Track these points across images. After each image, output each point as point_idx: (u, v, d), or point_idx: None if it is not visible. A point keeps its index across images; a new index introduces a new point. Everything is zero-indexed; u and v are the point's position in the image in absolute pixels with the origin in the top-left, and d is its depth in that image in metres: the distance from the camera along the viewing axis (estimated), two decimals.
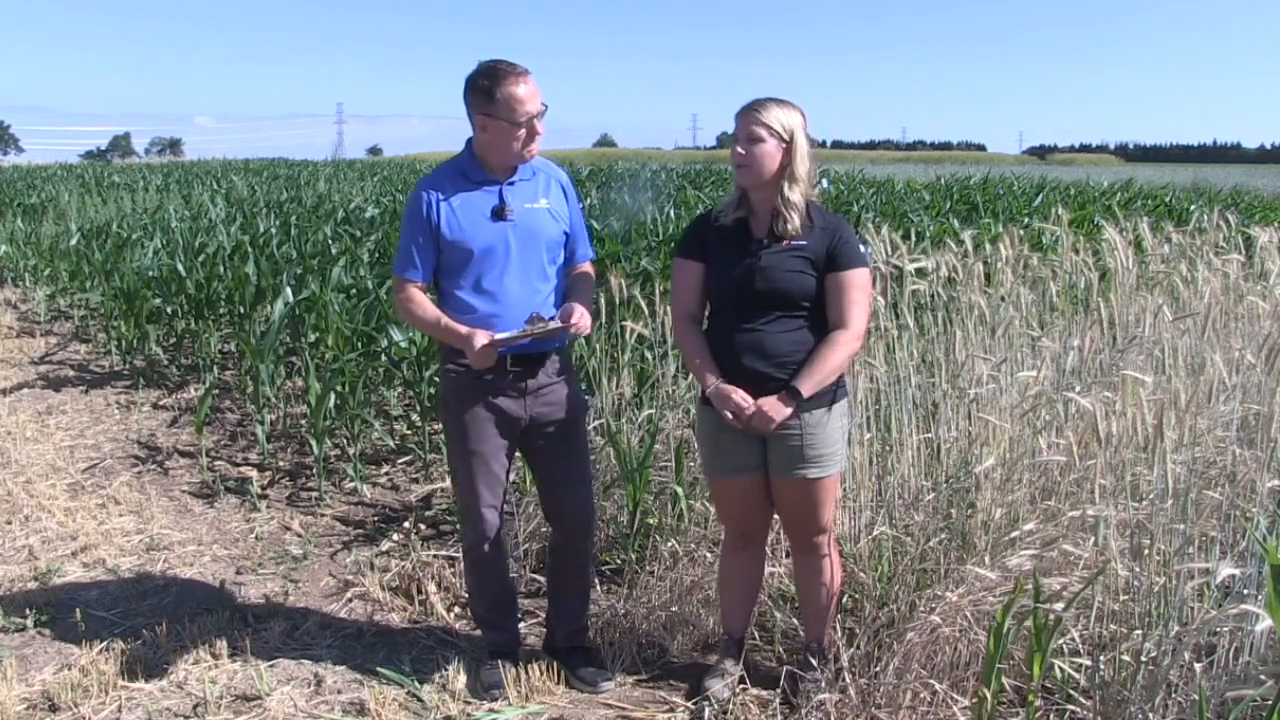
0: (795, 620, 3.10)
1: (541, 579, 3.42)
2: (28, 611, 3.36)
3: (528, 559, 3.65)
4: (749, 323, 2.56)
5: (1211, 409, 3.09)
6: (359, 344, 5.31)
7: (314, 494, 4.59)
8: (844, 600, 2.98)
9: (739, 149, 2.55)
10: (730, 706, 2.74)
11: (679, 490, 3.44)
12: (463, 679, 2.90)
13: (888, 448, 3.30)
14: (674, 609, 3.16)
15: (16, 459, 5.00)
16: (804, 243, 2.55)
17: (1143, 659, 2.38)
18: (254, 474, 4.83)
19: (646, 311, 4.04)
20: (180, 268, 7.18)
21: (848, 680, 2.64)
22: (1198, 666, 2.32)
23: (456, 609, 3.39)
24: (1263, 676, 2.25)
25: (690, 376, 3.99)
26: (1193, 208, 10.66)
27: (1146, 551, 2.49)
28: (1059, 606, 2.34)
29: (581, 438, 2.92)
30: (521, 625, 3.20)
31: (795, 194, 2.54)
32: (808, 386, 2.50)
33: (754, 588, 2.93)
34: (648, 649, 3.08)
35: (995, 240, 4.29)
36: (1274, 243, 4.85)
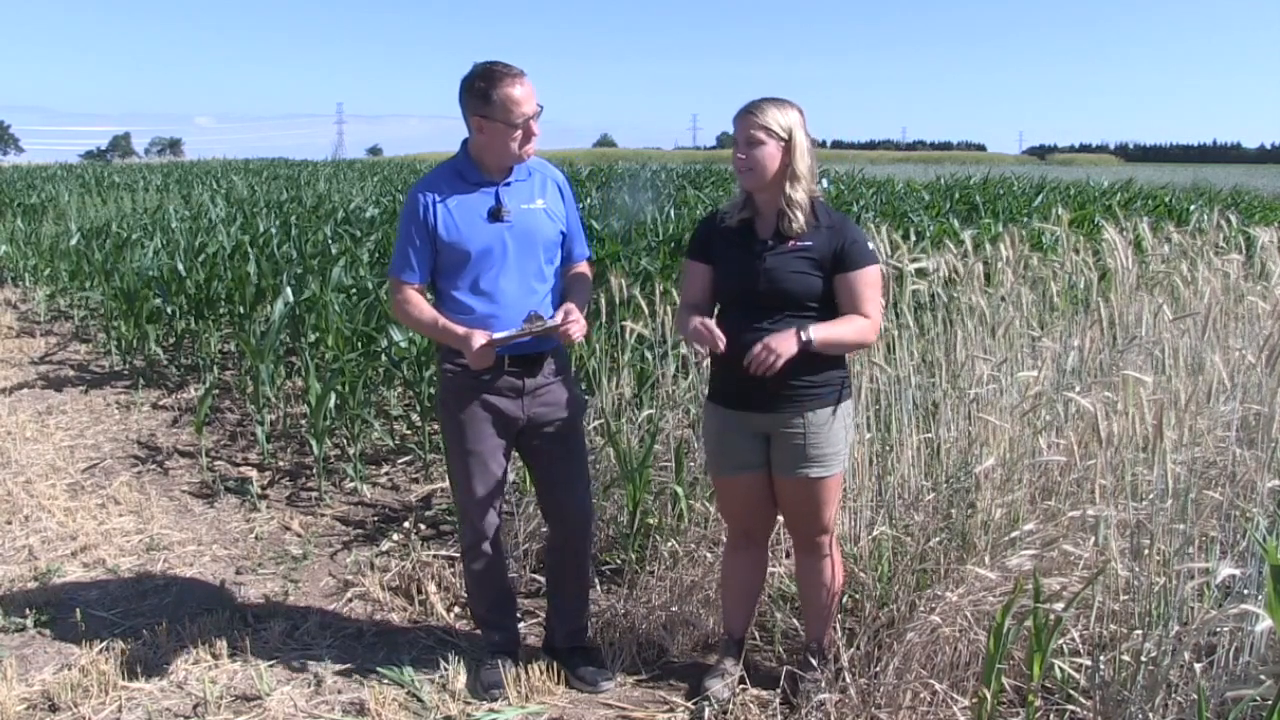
0: (795, 620, 3.10)
1: (541, 579, 3.42)
2: (28, 611, 3.36)
3: (527, 559, 3.66)
4: (756, 323, 2.56)
5: (1211, 409, 3.09)
6: (359, 344, 5.31)
7: (314, 494, 4.59)
8: (844, 600, 2.98)
9: (739, 154, 2.56)
10: (730, 706, 2.74)
11: (679, 490, 3.44)
12: (463, 679, 2.90)
13: (888, 448, 3.30)
14: (674, 609, 3.16)
15: (16, 459, 5.00)
16: (809, 243, 2.55)
17: (1143, 659, 2.38)
18: (254, 474, 4.83)
19: (646, 311, 4.04)
20: (180, 268, 7.18)
21: (848, 680, 2.64)
22: (1198, 666, 2.32)
23: (456, 609, 3.39)
24: (1263, 676, 2.25)
25: (690, 377, 4.00)
26: (1193, 208, 10.66)
27: (1146, 551, 2.49)
28: (1059, 606, 2.34)
29: (579, 438, 2.92)
30: (521, 625, 3.20)
31: (799, 192, 2.54)
32: (818, 334, 2.48)
33: (756, 588, 2.93)
34: (648, 649, 3.08)
35: (995, 240, 4.29)
36: (1274, 243, 4.85)
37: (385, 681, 2.93)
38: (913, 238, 5.23)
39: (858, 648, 2.76)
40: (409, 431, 5.32)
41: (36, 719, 2.80)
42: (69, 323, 8.84)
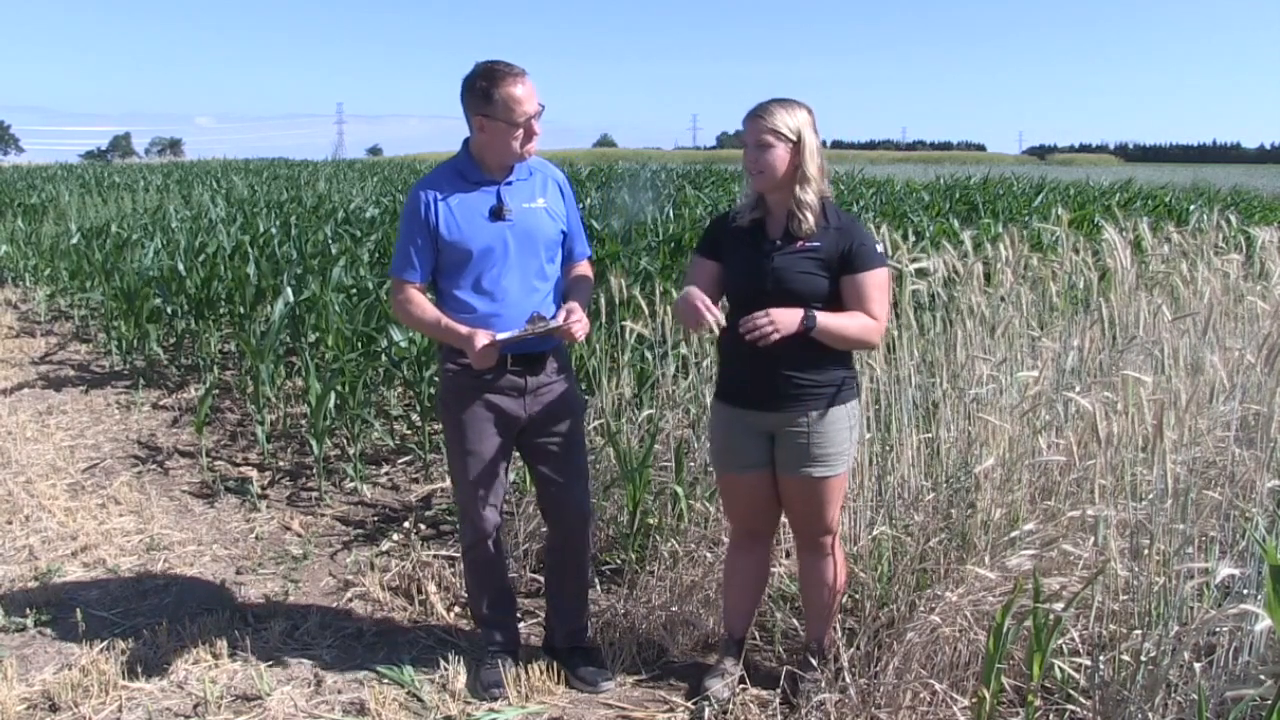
0: (795, 620, 3.10)
1: (541, 579, 3.42)
2: (28, 611, 3.36)
3: (527, 559, 3.66)
4: None
5: (1211, 409, 3.09)
6: (359, 344, 5.31)
7: (314, 494, 4.59)
8: (844, 600, 2.98)
9: (749, 157, 2.57)
10: (730, 706, 2.74)
11: (679, 490, 3.44)
12: (463, 679, 2.90)
13: (888, 448, 3.30)
14: (674, 609, 3.16)
15: (16, 459, 5.00)
16: (818, 244, 2.55)
17: (1142, 659, 2.38)
18: (254, 474, 4.83)
19: (646, 311, 4.04)
20: (180, 268, 7.18)
21: (848, 680, 2.64)
22: (1197, 666, 2.32)
23: (456, 609, 3.40)
24: (1262, 676, 2.25)
25: (690, 377, 4.00)
26: (1192, 208, 10.66)
27: (1146, 551, 2.50)
28: (1059, 606, 2.34)
29: (580, 437, 2.92)
30: (521, 625, 3.20)
31: (809, 194, 2.55)
32: (822, 320, 2.48)
33: (758, 589, 2.93)
34: (648, 649, 3.08)
35: (995, 240, 4.29)
36: (1274, 243, 4.85)
37: (385, 681, 2.93)
38: (912, 238, 5.23)
39: (858, 648, 2.76)
40: (409, 431, 5.32)
41: (37, 719, 2.81)
42: (69, 323, 8.84)
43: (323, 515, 4.35)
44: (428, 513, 4.29)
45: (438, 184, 2.72)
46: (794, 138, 2.52)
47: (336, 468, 4.86)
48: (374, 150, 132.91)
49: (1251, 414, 3.02)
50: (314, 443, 4.59)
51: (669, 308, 3.94)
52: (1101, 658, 2.50)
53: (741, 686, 2.81)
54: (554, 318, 2.68)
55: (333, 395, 4.71)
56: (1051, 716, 2.56)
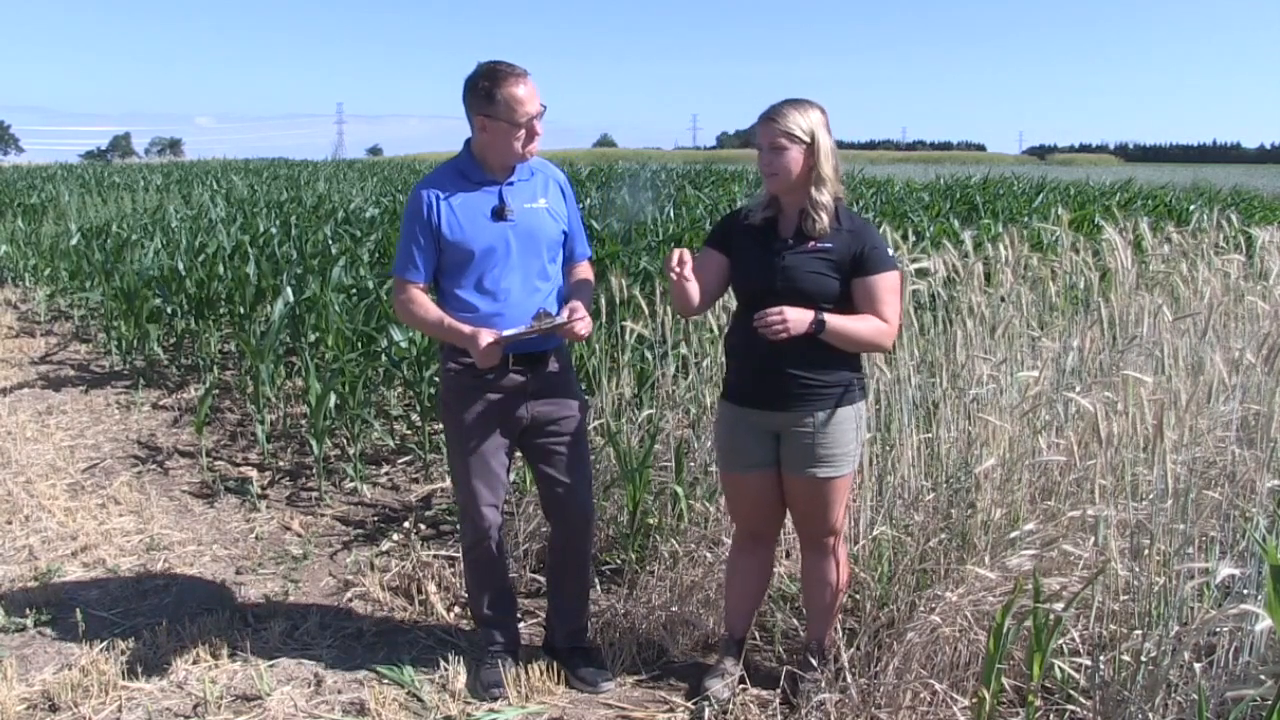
0: (795, 620, 3.10)
1: (541, 579, 3.43)
2: (28, 611, 3.36)
3: (527, 559, 3.66)
4: None
5: (1211, 409, 3.09)
6: (359, 344, 5.32)
7: (314, 494, 4.59)
8: (844, 600, 2.98)
9: (763, 159, 2.57)
10: (730, 706, 2.74)
11: (679, 490, 3.44)
12: (463, 679, 2.90)
13: (888, 448, 3.30)
14: (674, 609, 3.16)
15: (16, 459, 5.00)
16: (829, 245, 2.55)
17: (1143, 659, 2.38)
18: (254, 474, 4.83)
19: (646, 311, 4.04)
20: (180, 267, 7.18)
21: (848, 680, 2.64)
22: (1198, 666, 2.32)
23: (456, 609, 3.39)
24: (1263, 676, 2.25)
25: (690, 377, 4.00)
26: (1192, 208, 10.66)
27: (1146, 551, 2.50)
28: (1059, 606, 2.34)
29: (581, 437, 2.92)
30: (521, 625, 3.20)
31: (823, 195, 2.55)
32: (832, 321, 2.49)
33: (760, 590, 2.93)
34: (648, 649, 3.08)
35: (995, 240, 4.29)
36: (1274, 242, 4.85)
37: (385, 681, 2.93)
38: (913, 238, 5.23)
39: (858, 648, 2.76)
40: (409, 431, 5.32)
41: (36, 719, 2.81)
42: (69, 323, 8.84)
43: (323, 515, 4.35)
44: (428, 513, 4.29)
45: (440, 184, 2.72)
46: (807, 139, 2.52)
47: (336, 468, 4.86)
48: (374, 150, 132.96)
49: (1251, 414, 3.02)
50: (314, 443, 4.59)
51: (669, 308, 3.94)
52: (1102, 658, 2.50)
53: (741, 686, 2.81)
54: (559, 315, 2.68)
55: (333, 395, 4.72)
56: (1051, 716, 2.56)
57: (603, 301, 4.56)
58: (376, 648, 3.18)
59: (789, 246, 2.58)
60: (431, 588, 3.49)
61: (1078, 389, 3.10)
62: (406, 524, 4.10)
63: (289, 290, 5.79)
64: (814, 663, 2.74)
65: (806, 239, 2.56)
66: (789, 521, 2.86)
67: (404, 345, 4.91)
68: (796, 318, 2.46)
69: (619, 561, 3.54)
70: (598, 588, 3.41)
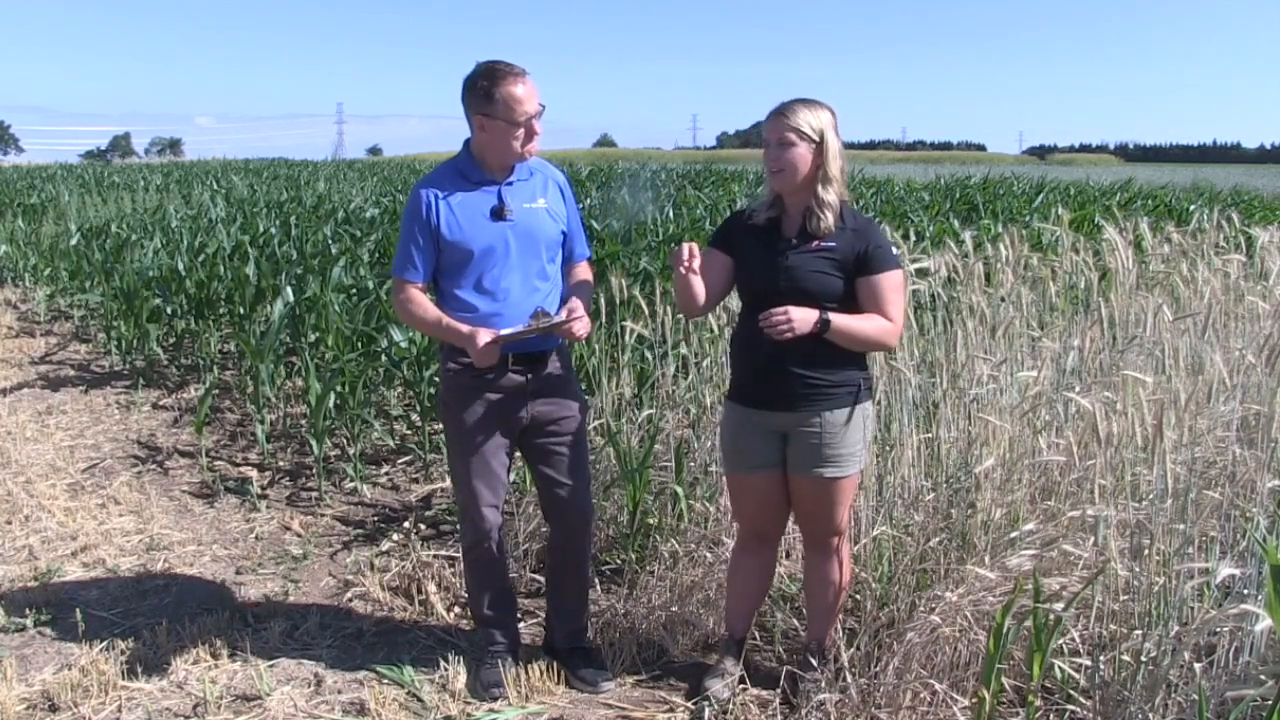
0: (795, 620, 3.11)
1: (541, 579, 3.42)
2: (28, 611, 3.36)
3: (527, 559, 3.66)
4: None
5: (1211, 409, 3.09)
6: (359, 344, 5.31)
7: (314, 494, 4.59)
8: (845, 600, 2.98)
9: (771, 156, 2.56)
10: (730, 706, 2.74)
11: (679, 490, 3.44)
12: (463, 679, 2.90)
13: (888, 448, 3.30)
14: (674, 609, 3.16)
15: (16, 459, 5.00)
16: (833, 244, 2.55)
17: (1143, 659, 2.38)
18: (254, 474, 4.83)
19: (646, 311, 4.04)
20: (180, 267, 7.18)
21: (848, 680, 2.64)
22: (1198, 666, 2.32)
23: (456, 609, 3.39)
24: (1263, 676, 2.25)
25: (690, 377, 4.00)
26: (1192, 208, 10.66)
27: (1146, 551, 2.49)
28: (1059, 606, 2.34)
29: (581, 437, 2.92)
30: (521, 625, 3.20)
31: (830, 194, 2.54)
32: (837, 320, 2.49)
33: (762, 590, 2.93)
34: (648, 649, 3.08)
35: (995, 240, 4.29)
36: (1274, 242, 4.85)
37: (385, 681, 2.93)
38: (913, 238, 5.23)
39: (858, 648, 2.76)
40: (409, 431, 5.32)
41: (36, 719, 2.80)
42: (69, 323, 8.84)
43: (323, 515, 4.35)
44: (428, 513, 4.29)
45: (439, 184, 2.72)
46: (816, 138, 2.52)
47: (336, 468, 4.86)
48: (374, 150, 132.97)
49: (1252, 414, 3.01)
50: (314, 443, 4.59)
51: (669, 308, 3.94)
52: (1101, 658, 2.50)
53: (741, 686, 2.81)
54: (557, 314, 2.68)
55: (333, 395, 4.72)
56: (1051, 716, 2.56)
57: (603, 301, 4.56)
58: (376, 648, 3.18)
59: (793, 246, 2.57)
60: (431, 588, 3.49)
61: (1078, 389, 3.10)
62: (406, 524, 4.10)
63: (289, 290, 5.79)
64: (814, 663, 2.74)
65: (810, 238, 2.56)
66: (790, 522, 2.86)
67: (404, 345, 4.91)
68: (801, 317, 2.46)
69: (619, 561, 3.54)
70: (598, 588, 3.41)
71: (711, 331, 3.99)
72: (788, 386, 2.57)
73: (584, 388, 3.67)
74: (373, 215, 10.99)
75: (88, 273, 8.70)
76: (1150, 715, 2.34)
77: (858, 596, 3.07)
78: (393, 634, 3.27)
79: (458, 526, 3.61)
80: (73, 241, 9.70)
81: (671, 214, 9.56)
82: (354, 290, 6.15)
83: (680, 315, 3.99)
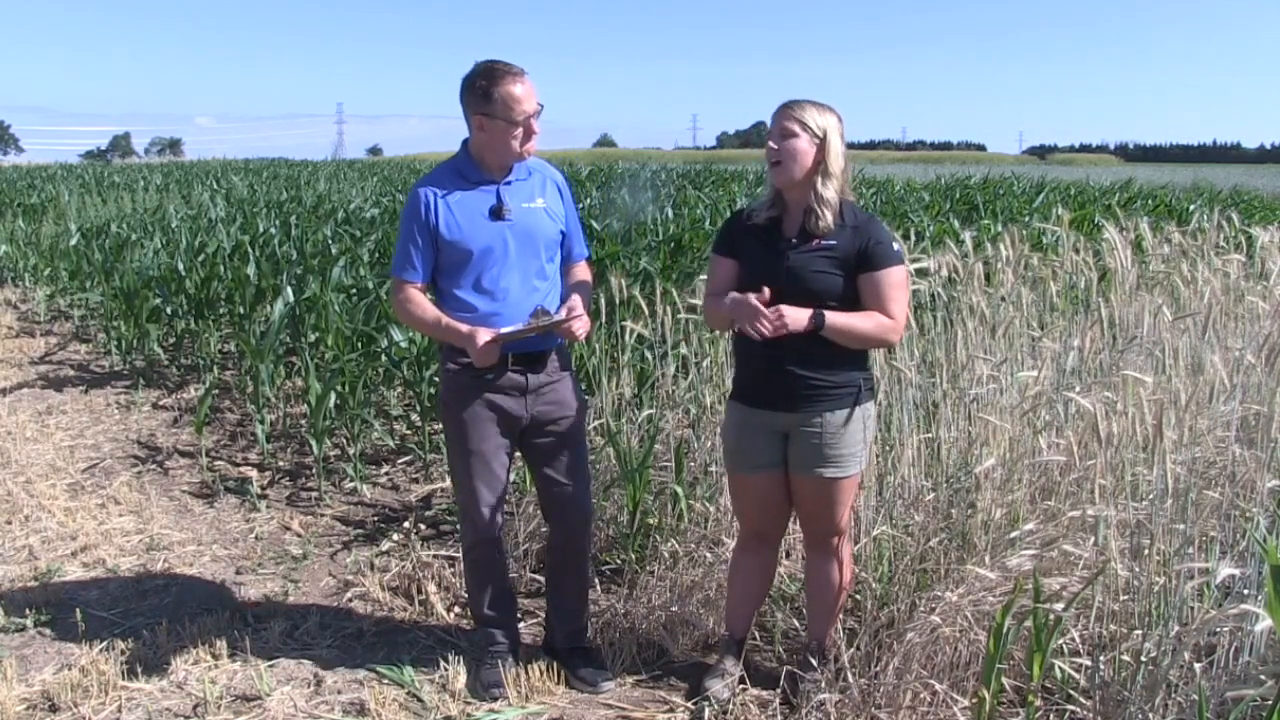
0: (795, 620, 3.11)
1: (541, 579, 3.42)
2: (28, 611, 3.36)
3: (527, 559, 3.65)
4: None
5: (1211, 409, 3.09)
6: (359, 344, 5.31)
7: (314, 494, 4.59)
8: (846, 600, 2.98)
9: (772, 144, 2.55)
10: (730, 706, 2.74)
11: (679, 490, 3.44)
12: (463, 679, 2.90)
13: (888, 448, 3.30)
14: (674, 609, 3.16)
15: (16, 459, 5.00)
16: (833, 242, 2.54)
17: (1143, 659, 2.38)
18: (254, 474, 4.83)
19: (646, 311, 4.04)
20: (180, 267, 7.18)
21: (848, 680, 2.64)
22: (1198, 666, 2.32)
23: (456, 609, 3.39)
24: (1263, 676, 2.25)
25: (690, 377, 4.00)
26: (1192, 207, 10.65)
27: (1146, 551, 2.49)
28: (1059, 606, 2.34)
29: (581, 437, 2.92)
30: (521, 625, 3.20)
31: (829, 191, 2.53)
32: (832, 319, 2.48)
33: (762, 590, 2.93)
34: (648, 649, 3.08)
35: (995, 240, 4.29)
36: (1274, 242, 4.85)
37: (385, 681, 2.93)
38: (913, 238, 5.23)
39: (858, 648, 2.76)
40: (409, 431, 5.32)
41: (36, 719, 2.80)
42: (69, 323, 8.84)
43: (323, 515, 4.35)
44: (428, 513, 4.29)
45: (438, 183, 2.72)
46: (820, 135, 2.52)
47: (336, 468, 4.86)
48: (374, 150, 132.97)
49: (1251, 414, 3.01)
50: (314, 443, 4.59)
51: (669, 308, 3.94)
52: (1101, 658, 2.50)
53: (741, 686, 2.81)
54: (557, 313, 2.68)
55: (333, 395, 4.72)
56: (1051, 717, 2.56)
57: (603, 301, 4.56)
58: (376, 648, 3.18)
59: (793, 246, 2.57)
60: (431, 588, 3.49)
61: (1078, 389, 3.10)
62: (406, 524, 4.10)
63: (289, 290, 5.78)
64: (814, 663, 2.74)
65: (810, 237, 2.55)
66: (791, 522, 2.86)
67: (404, 345, 4.91)
68: (792, 315, 2.46)
69: (619, 561, 3.54)
70: (598, 588, 3.41)
71: (711, 332, 3.99)
72: (789, 387, 2.57)
73: (584, 388, 3.67)
74: (373, 215, 10.99)
75: (88, 273, 8.70)
76: (1150, 715, 2.34)
77: (858, 596, 3.07)
78: (393, 634, 3.27)
79: (458, 526, 3.61)
80: (73, 241, 9.70)
81: (671, 214, 9.56)
82: (354, 290, 6.15)
83: (680, 315, 4.00)
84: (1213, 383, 3.14)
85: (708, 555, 3.28)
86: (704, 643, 3.09)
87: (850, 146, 2.63)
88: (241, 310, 6.71)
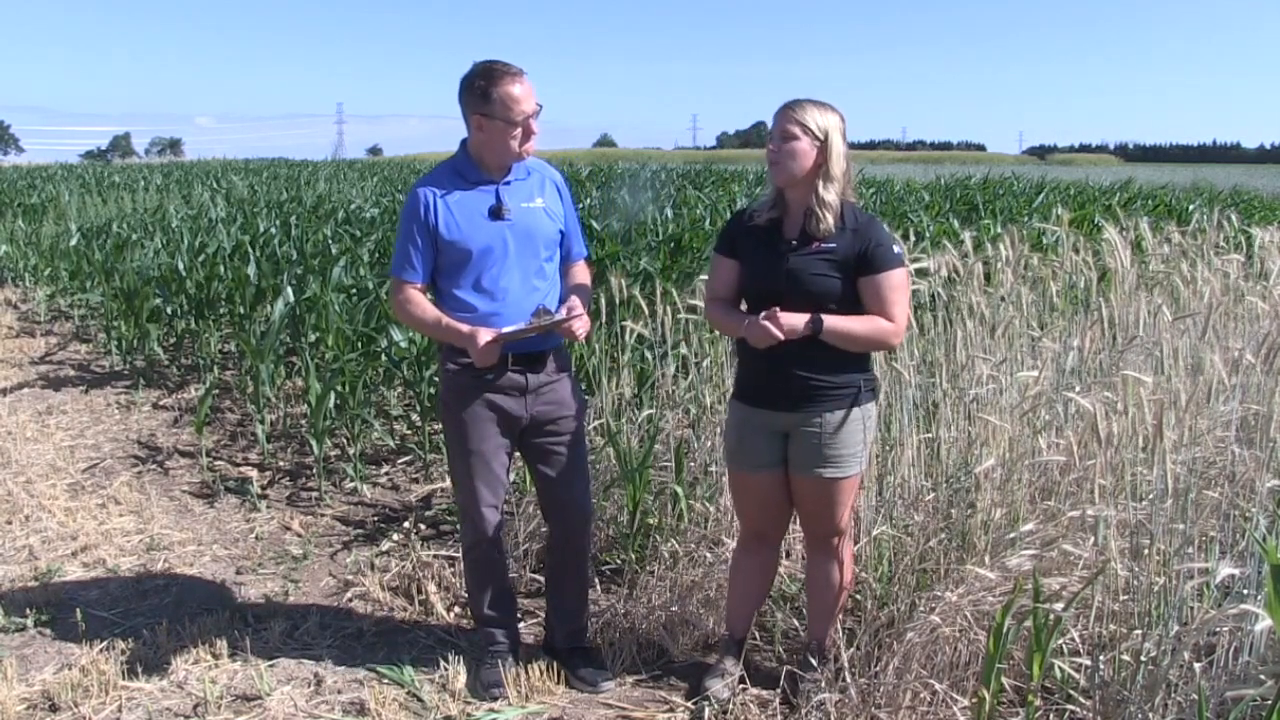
0: (795, 620, 3.11)
1: (541, 579, 3.42)
2: (28, 611, 3.36)
3: (527, 559, 3.66)
4: None
5: (1211, 409, 3.09)
6: (359, 344, 5.31)
7: (314, 494, 4.59)
8: (846, 600, 2.98)
9: (772, 145, 2.55)
10: (730, 706, 2.74)
11: (679, 490, 3.44)
12: (463, 678, 2.90)
13: (888, 448, 3.30)
14: (674, 609, 3.16)
15: (16, 459, 5.00)
16: (833, 245, 2.54)
17: (1143, 659, 2.38)
18: (254, 474, 4.83)
19: (646, 311, 4.04)
20: (180, 267, 7.18)
21: (848, 680, 2.64)
22: (1197, 666, 2.32)
23: (456, 609, 3.39)
24: (1263, 676, 2.25)
25: (690, 377, 4.00)
26: (1192, 208, 10.65)
27: (1146, 551, 2.49)
28: (1059, 606, 2.34)
29: (581, 437, 2.92)
30: (521, 625, 3.20)
31: (830, 193, 2.53)
32: (829, 322, 2.49)
33: (762, 591, 2.93)
34: (648, 649, 3.08)
35: (995, 240, 4.29)
36: (1274, 242, 4.85)
37: (385, 681, 2.93)
38: (913, 238, 5.23)
39: (858, 648, 2.76)
40: (409, 431, 5.32)
41: (36, 719, 2.81)
42: (69, 323, 8.84)
43: (323, 515, 4.35)
44: (428, 513, 4.29)
45: (437, 183, 2.72)
46: (821, 137, 2.51)
47: (336, 468, 4.86)
48: (374, 150, 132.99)
49: (1251, 414, 3.02)
50: (314, 443, 4.59)
51: (669, 308, 3.94)
52: (1101, 658, 2.50)
53: (741, 686, 2.81)
54: (557, 311, 2.68)
55: (333, 395, 4.72)
56: (1051, 716, 2.56)
57: (603, 301, 4.56)
58: (376, 648, 3.18)
59: (793, 248, 2.57)
60: (431, 588, 3.49)
61: (1078, 389, 3.10)
62: (406, 524, 4.10)
63: (289, 290, 5.78)
64: (814, 662, 2.74)
65: (811, 239, 2.55)
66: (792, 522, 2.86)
67: (404, 345, 4.91)
68: (789, 319, 2.46)
69: (619, 561, 3.54)
70: (598, 588, 3.41)
71: (711, 332, 3.99)
72: (790, 387, 2.57)
73: (584, 388, 3.68)
74: (373, 215, 10.99)
75: (88, 273, 8.70)
76: (1150, 715, 2.34)
77: (858, 596, 3.07)
78: (393, 634, 3.27)
79: (458, 526, 3.61)
80: (73, 241, 9.70)
81: (671, 214, 9.56)
82: (354, 290, 6.15)
83: (680, 315, 4.00)
84: (1212, 383, 3.14)
85: (708, 555, 3.28)
86: (704, 643, 3.09)
87: (850, 146, 2.62)
88: (242, 310, 6.71)
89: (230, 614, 3.36)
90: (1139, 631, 2.43)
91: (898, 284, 2.55)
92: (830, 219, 2.53)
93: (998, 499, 2.92)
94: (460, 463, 2.82)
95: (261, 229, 9.18)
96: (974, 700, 2.42)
